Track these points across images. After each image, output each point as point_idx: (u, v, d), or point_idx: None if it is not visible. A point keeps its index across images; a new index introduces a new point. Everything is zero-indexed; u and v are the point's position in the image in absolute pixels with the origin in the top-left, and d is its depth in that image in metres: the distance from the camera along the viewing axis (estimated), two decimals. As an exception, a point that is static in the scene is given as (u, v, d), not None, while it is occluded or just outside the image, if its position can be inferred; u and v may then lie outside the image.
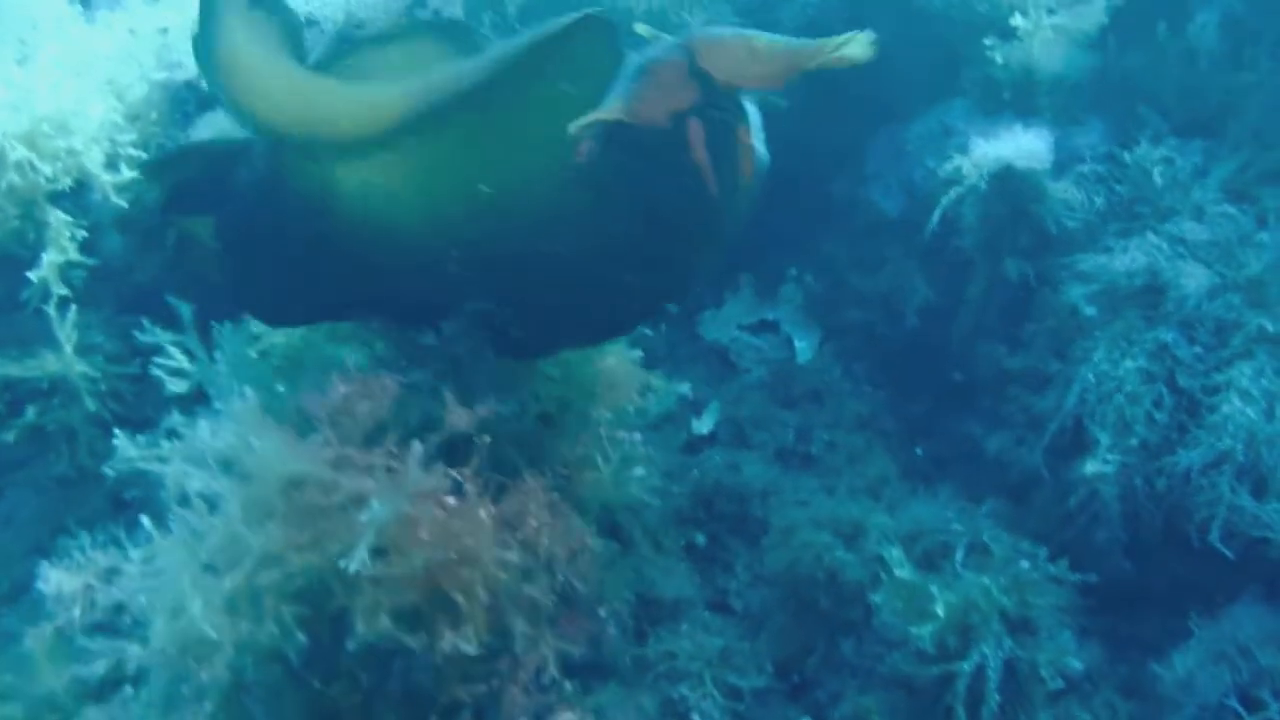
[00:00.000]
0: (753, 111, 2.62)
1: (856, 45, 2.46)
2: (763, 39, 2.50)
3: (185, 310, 2.93)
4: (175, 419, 2.71)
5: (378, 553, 2.39)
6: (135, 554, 2.57)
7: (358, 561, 2.35)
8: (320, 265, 2.66)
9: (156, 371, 2.96)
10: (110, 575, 2.62)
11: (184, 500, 2.51)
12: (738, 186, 2.60)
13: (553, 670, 2.74)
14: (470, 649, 2.47)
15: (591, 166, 2.48)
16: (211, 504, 2.47)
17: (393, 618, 2.41)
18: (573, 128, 2.40)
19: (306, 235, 2.62)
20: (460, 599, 2.46)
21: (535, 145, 2.51)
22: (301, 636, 2.42)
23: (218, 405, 2.79)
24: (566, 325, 2.79)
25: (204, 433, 2.51)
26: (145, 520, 2.56)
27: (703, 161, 2.51)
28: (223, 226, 2.74)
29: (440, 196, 2.56)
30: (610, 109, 2.42)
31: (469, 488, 2.52)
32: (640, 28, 2.65)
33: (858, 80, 4.34)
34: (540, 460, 2.88)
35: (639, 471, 3.21)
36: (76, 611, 2.60)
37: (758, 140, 2.61)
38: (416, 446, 2.43)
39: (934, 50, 4.50)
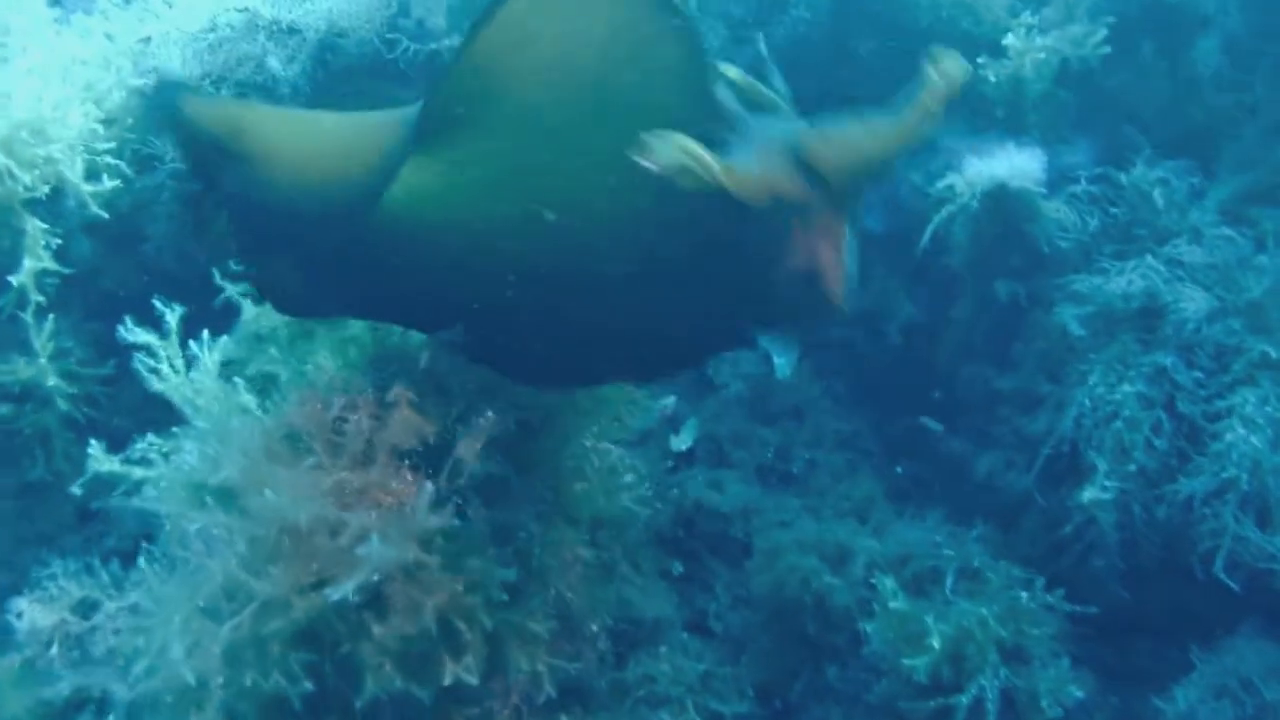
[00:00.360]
0: (850, 240, 2.45)
1: (951, 63, 2.34)
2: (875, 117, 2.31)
3: (174, 316, 2.82)
4: (151, 440, 2.62)
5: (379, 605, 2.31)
6: (131, 594, 2.46)
7: (342, 593, 2.27)
8: (351, 269, 2.47)
9: (137, 366, 2.85)
10: (84, 607, 2.53)
11: (180, 538, 2.40)
12: (815, 290, 2.43)
13: (549, 689, 2.66)
14: (473, 679, 2.38)
15: (671, 195, 2.25)
16: (209, 544, 2.37)
17: (398, 661, 2.32)
18: (648, 145, 2.18)
19: (336, 238, 2.42)
20: (463, 626, 2.37)
21: (599, 152, 2.28)
22: (309, 684, 2.34)
23: (199, 423, 2.67)
24: (602, 358, 2.62)
25: (192, 458, 2.41)
26: (143, 563, 2.47)
27: (796, 265, 2.37)
28: (236, 221, 2.54)
29: (492, 204, 2.33)
30: (710, 164, 2.20)
31: (471, 513, 2.44)
32: (728, 69, 2.47)
33: (842, 95, 4.35)
34: (528, 470, 2.79)
35: (629, 479, 3.13)
36: (54, 650, 2.51)
37: (850, 260, 2.44)
38: (428, 488, 2.35)
39: (919, 66, 4.46)
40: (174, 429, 2.76)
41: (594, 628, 2.93)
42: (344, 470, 2.41)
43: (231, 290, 2.96)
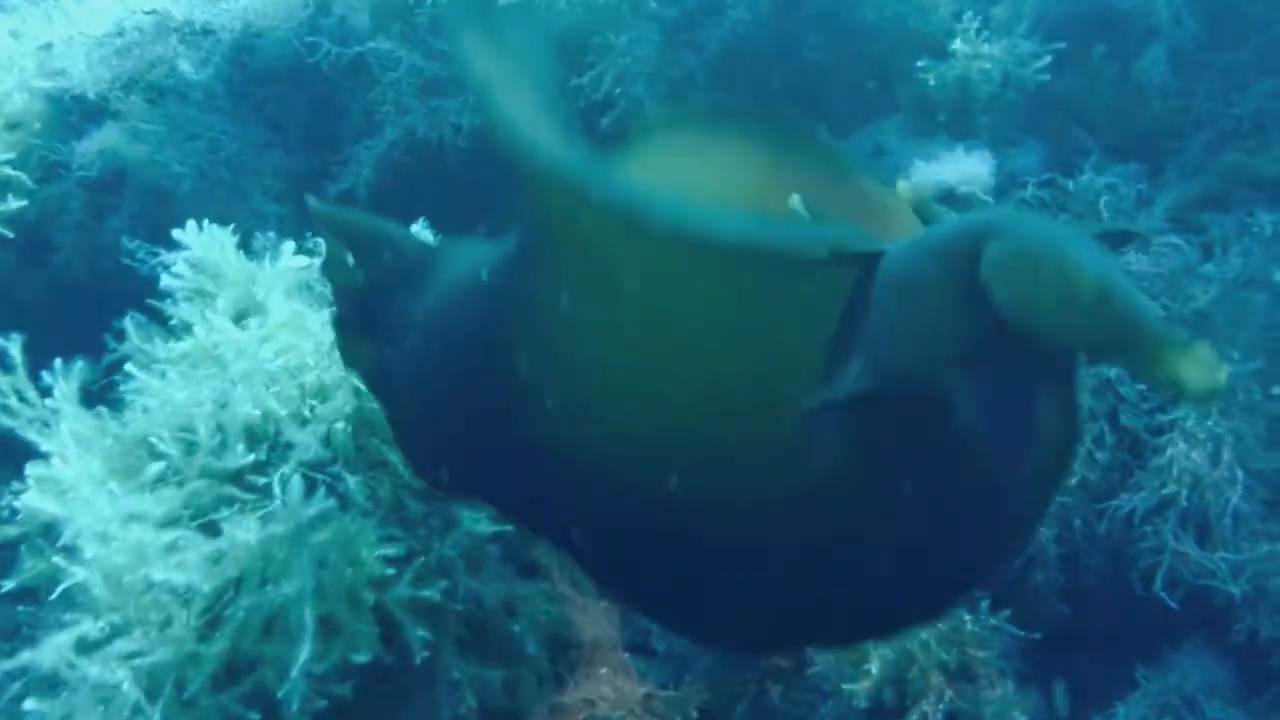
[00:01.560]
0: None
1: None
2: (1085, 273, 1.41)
3: (15, 346, 2.57)
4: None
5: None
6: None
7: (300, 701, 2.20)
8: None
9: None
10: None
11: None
12: (1033, 467, 1.77)
13: (470, 699, 2.54)
14: (362, 658, 2.27)
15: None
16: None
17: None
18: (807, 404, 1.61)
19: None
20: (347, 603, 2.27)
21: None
22: (255, 715, 2.24)
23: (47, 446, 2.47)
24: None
25: (38, 501, 2.28)
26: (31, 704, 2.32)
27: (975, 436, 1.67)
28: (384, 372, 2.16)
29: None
30: (849, 383, 1.61)
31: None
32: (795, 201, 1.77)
33: (788, 97, 4.27)
34: None
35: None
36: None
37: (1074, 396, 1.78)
38: (296, 483, 2.23)
39: (866, 67, 4.40)
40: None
41: (517, 628, 2.78)
42: (197, 478, 2.30)
43: (121, 350, 2.72)
